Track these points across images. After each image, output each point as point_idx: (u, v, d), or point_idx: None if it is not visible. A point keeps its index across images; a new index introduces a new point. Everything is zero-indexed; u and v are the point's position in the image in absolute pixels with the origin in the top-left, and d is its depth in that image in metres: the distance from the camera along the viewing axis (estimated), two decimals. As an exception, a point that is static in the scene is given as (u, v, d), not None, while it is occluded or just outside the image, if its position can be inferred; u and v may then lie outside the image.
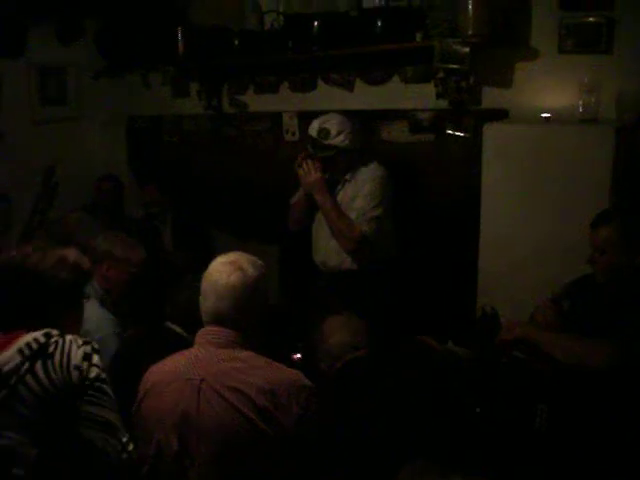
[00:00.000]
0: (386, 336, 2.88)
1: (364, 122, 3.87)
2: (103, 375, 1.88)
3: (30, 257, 2.00)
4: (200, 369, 2.04)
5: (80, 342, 1.89)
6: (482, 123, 3.23)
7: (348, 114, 3.54)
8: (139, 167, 5.16)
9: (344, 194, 3.46)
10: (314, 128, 3.43)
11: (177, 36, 4.30)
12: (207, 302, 2.14)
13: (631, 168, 2.97)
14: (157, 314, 2.88)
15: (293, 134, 4.22)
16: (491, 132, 3.16)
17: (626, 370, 2.19)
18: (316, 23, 3.68)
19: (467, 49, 3.21)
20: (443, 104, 3.53)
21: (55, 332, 1.89)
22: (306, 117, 4.03)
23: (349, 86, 3.97)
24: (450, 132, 3.54)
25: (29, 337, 1.86)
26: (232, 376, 2.00)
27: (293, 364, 2.86)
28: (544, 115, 3.09)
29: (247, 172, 4.52)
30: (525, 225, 3.06)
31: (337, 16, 3.74)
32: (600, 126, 2.93)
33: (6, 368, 1.80)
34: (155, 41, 4.60)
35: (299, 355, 2.95)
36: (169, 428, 2.00)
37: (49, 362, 1.82)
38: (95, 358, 1.88)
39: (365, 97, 3.90)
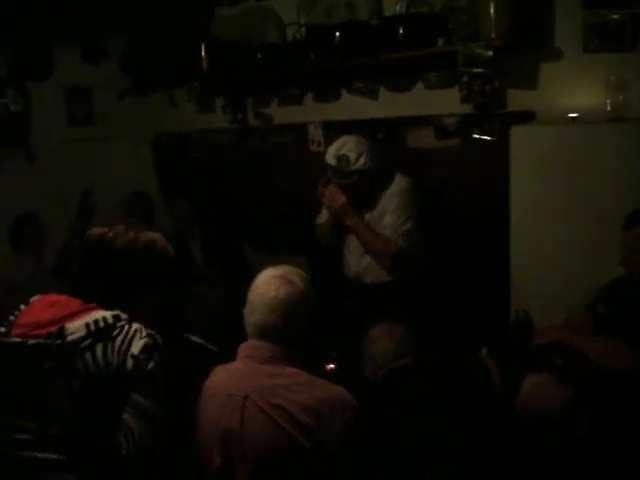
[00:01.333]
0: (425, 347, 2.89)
1: (389, 130, 3.89)
2: (160, 370, 1.91)
3: (122, 237, 2.05)
4: (243, 385, 2.02)
5: (144, 333, 1.92)
6: (509, 126, 3.21)
7: (367, 126, 3.60)
8: (167, 183, 5.21)
9: (372, 212, 3.42)
10: (332, 156, 3.35)
11: (201, 52, 4.35)
12: (254, 316, 2.10)
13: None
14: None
15: (319, 144, 4.22)
16: (518, 135, 3.14)
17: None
18: (338, 33, 3.68)
19: (490, 52, 3.18)
20: (468, 108, 3.51)
21: (124, 316, 1.94)
22: (331, 127, 4.05)
23: (373, 94, 3.96)
24: (477, 136, 3.51)
25: (99, 314, 1.92)
26: (276, 393, 1.98)
27: (326, 374, 2.86)
28: (571, 115, 3.05)
29: (274, 184, 4.54)
30: (557, 226, 3.03)
31: (358, 25, 3.74)
32: (629, 124, 2.89)
33: (70, 338, 1.86)
34: (179, 58, 4.64)
35: (332, 366, 2.94)
36: (212, 444, 1.99)
37: (110, 345, 1.86)
38: (155, 354, 1.90)
39: (390, 105, 3.90)
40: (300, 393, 1.97)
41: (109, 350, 1.86)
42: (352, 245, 3.54)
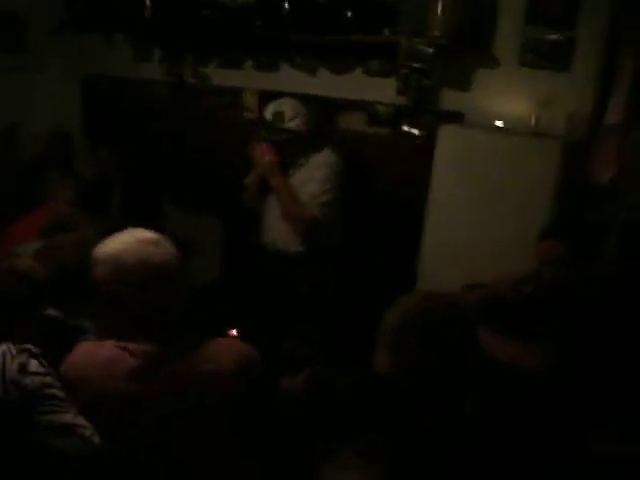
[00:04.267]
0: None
1: (323, 108, 3.93)
2: (47, 379, 1.76)
3: None
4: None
5: (14, 351, 1.76)
6: (438, 123, 3.31)
7: (304, 99, 3.62)
8: (94, 128, 5.09)
9: (296, 178, 3.52)
10: (269, 112, 3.49)
11: (145, -2, 4.26)
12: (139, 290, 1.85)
13: (577, 182, 3.09)
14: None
15: (252, 112, 4.22)
16: (446, 133, 3.24)
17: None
18: (287, 5, 3.69)
19: (432, 49, 3.27)
20: (403, 100, 3.59)
21: None
22: (267, 97, 4.05)
23: (312, 72, 3.98)
24: (406, 129, 3.60)
25: None
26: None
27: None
28: (498, 123, 3.17)
29: (202, 144, 4.51)
30: (468, 227, 3.15)
31: (309, 1, 3.74)
32: (548, 140, 3.02)
33: None
34: (121, 1, 4.53)
35: (235, 331, 2.98)
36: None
37: None
38: (32, 365, 1.75)
39: (327, 84, 3.92)
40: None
41: None
42: (273, 210, 3.61)
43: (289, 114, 3.44)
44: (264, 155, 3.50)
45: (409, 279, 3.36)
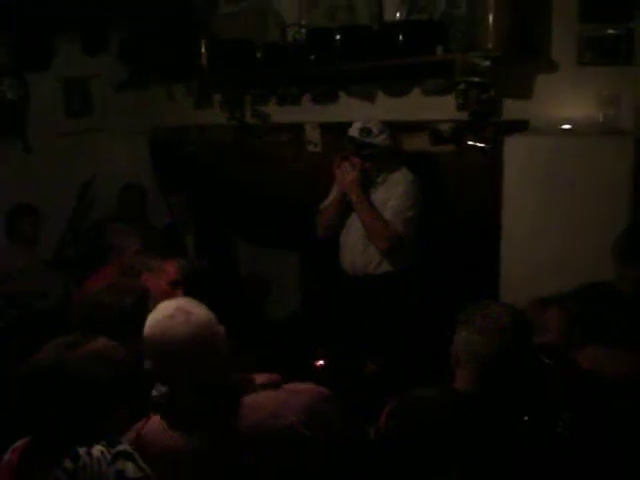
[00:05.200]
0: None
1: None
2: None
3: (65, 358, 1.72)
4: None
5: (109, 457, 1.64)
6: (503, 134, 3.28)
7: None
8: (164, 177, 5.24)
9: (376, 196, 3.55)
10: (356, 128, 3.54)
11: (201, 49, 4.39)
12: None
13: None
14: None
15: (315, 145, 4.28)
16: (512, 143, 3.20)
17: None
18: (338, 37, 3.74)
19: (488, 62, 3.25)
20: (463, 115, 3.57)
21: (82, 451, 1.64)
22: (328, 128, 4.10)
23: (370, 98, 4.01)
24: (471, 143, 3.57)
25: (57, 470, 1.62)
26: None
27: (316, 371, 2.92)
28: (564, 127, 3.12)
29: (269, 182, 4.59)
30: (546, 236, 3.09)
31: (359, 29, 3.79)
32: (619, 137, 2.96)
33: None
34: (178, 53, 4.67)
35: (322, 362, 3.00)
36: None
37: None
38: (129, 471, 1.64)
39: (386, 109, 3.94)
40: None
41: None
42: (351, 233, 3.64)
43: (376, 130, 3.50)
44: (348, 171, 3.53)
45: (491, 293, 3.31)
